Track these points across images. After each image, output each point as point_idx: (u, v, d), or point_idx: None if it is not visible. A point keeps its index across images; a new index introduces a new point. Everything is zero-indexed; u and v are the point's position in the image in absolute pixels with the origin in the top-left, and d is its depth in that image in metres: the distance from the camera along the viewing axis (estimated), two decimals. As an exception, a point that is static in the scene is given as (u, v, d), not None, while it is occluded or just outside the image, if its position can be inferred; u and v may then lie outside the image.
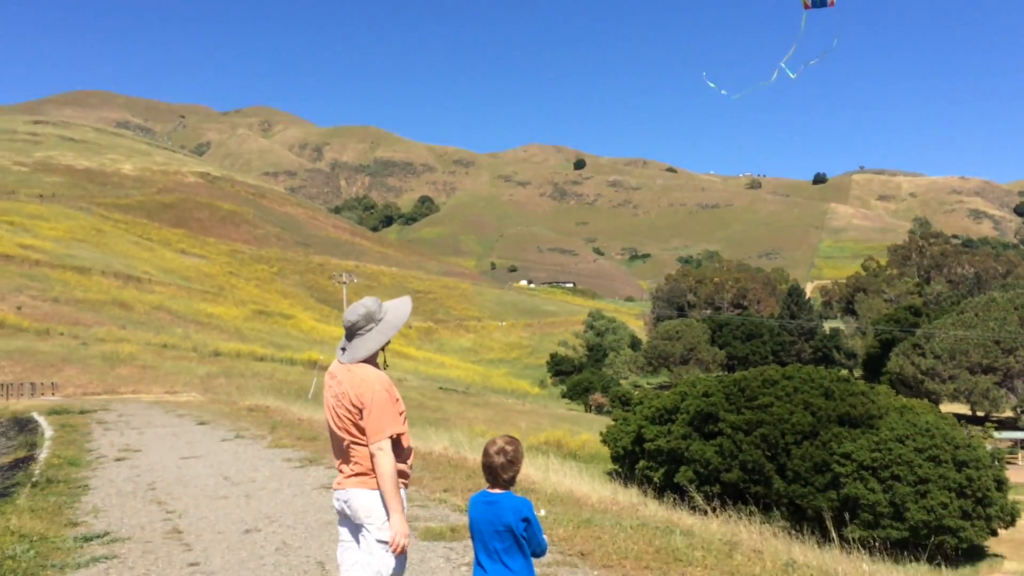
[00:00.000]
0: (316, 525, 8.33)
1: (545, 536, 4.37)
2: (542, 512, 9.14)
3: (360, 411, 4.45)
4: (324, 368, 57.37)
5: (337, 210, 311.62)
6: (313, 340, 76.49)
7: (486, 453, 4.23)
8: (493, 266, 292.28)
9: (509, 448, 4.22)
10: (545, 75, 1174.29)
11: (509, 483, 4.22)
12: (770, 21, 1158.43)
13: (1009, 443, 56.94)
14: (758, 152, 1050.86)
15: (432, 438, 18.02)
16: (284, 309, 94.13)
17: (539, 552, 4.24)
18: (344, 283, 60.68)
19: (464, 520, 8.41)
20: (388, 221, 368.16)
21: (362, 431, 4.45)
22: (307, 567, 6.80)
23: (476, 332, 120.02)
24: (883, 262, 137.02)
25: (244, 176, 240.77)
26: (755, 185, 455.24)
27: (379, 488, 4.43)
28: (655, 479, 37.77)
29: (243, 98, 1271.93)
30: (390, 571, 4.39)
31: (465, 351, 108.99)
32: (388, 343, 4.70)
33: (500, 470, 4.17)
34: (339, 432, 4.56)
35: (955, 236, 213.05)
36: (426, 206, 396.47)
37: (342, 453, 4.60)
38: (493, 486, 4.21)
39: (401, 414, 4.59)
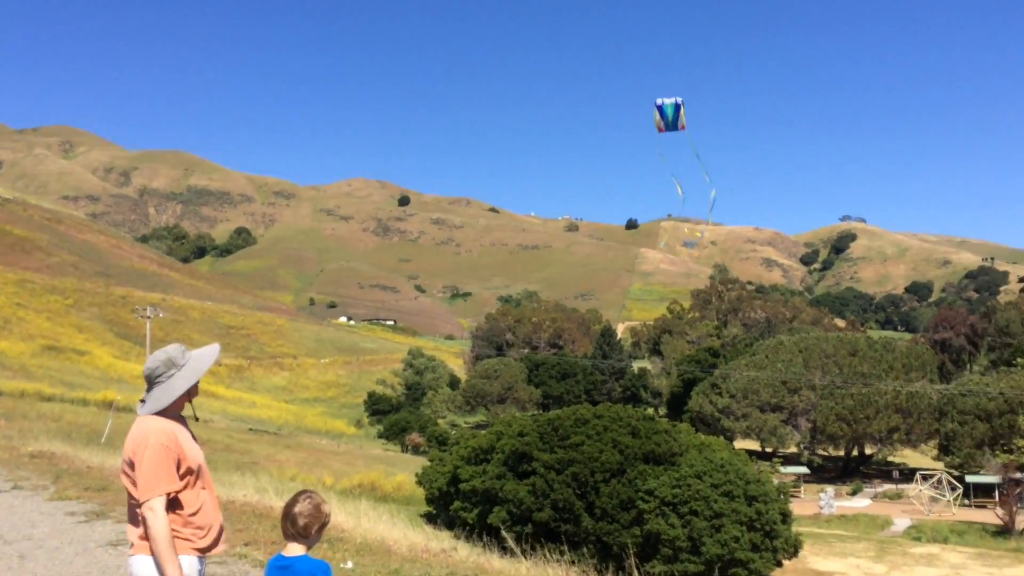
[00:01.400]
0: (98, 588, 7.76)
1: None
2: (349, 565, 8.98)
3: (134, 466, 4.20)
4: (121, 409, 53.66)
5: (144, 239, 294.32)
6: (110, 378, 71.41)
7: (287, 504, 4.16)
8: (312, 302, 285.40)
9: (311, 499, 4.16)
10: (371, 108, 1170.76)
11: (302, 535, 4.13)
12: (598, 63, 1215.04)
13: (793, 477, 61.63)
14: (575, 196, 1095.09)
15: (236, 484, 17.24)
16: (78, 344, 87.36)
17: None
18: (148, 317, 57.21)
19: (263, 576, 8.11)
20: (201, 252, 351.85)
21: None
22: (84, 637, 6.31)
23: (291, 370, 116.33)
24: (686, 305, 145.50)
25: (39, 199, 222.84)
26: (573, 228, 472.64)
27: (152, 553, 4.12)
28: (469, 520, 37.87)
29: (42, 116, 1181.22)
30: None
31: (279, 390, 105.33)
32: (194, 390, 4.46)
33: (297, 517, 4.09)
34: (129, 486, 4.31)
35: (750, 282, 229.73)
36: (243, 238, 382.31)
37: (132, 515, 4.33)
38: (286, 537, 4.13)
39: (189, 472, 4.28)
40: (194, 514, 4.32)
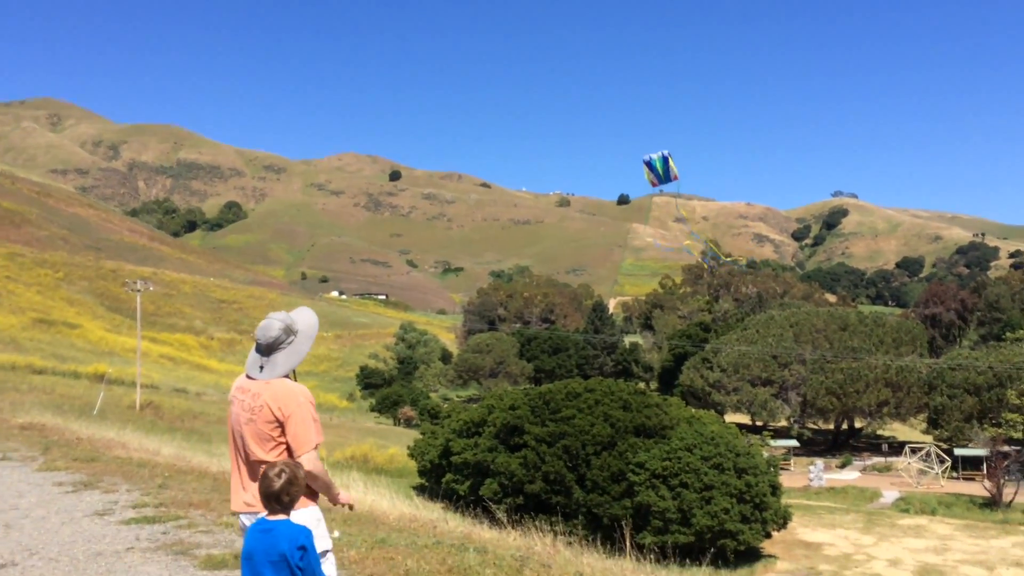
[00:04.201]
0: (83, 557, 7.68)
1: (335, 559, 4.24)
2: (336, 534, 8.92)
3: (281, 424, 4.48)
4: (113, 382, 53.53)
5: (134, 213, 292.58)
6: (102, 352, 71.19)
7: (265, 476, 4.08)
8: (304, 276, 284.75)
9: (289, 468, 4.10)
10: (362, 83, 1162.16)
11: (288, 506, 4.07)
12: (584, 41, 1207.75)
13: (783, 450, 62.02)
14: (567, 171, 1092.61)
15: (227, 456, 17.19)
16: (69, 318, 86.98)
17: None
18: (139, 291, 56.85)
19: (251, 545, 8.06)
20: (191, 227, 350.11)
21: (278, 446, 4.47)
22: (69, 605, 6.24)
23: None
24: (678, 281, 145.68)
25: (28, 173, 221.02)
26: (564, 203, 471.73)
27: (316, 491, 4.54)
28: (461, 492, 38.06)
29: (29, 88, 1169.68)
30: None
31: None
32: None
33: (280, 492, 4.02)
34: (254, 448, 4.51)
35: (741, 258, 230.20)
36: (233, 212, 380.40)
37: (254, 473, 4.49)
38: (272, 513, 4.06)
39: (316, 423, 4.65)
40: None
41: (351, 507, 4.96)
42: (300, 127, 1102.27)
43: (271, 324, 4.69)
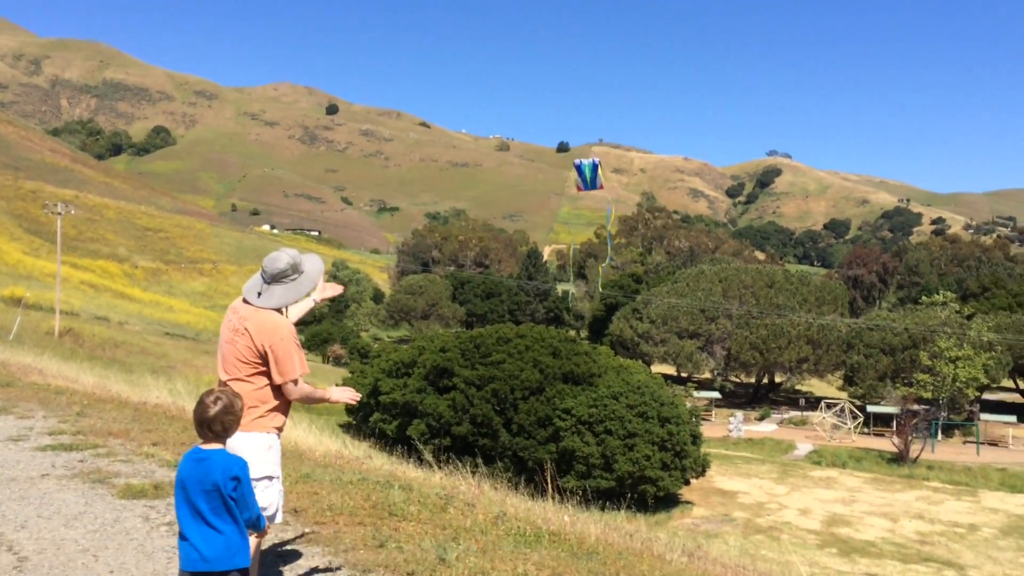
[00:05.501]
0: (-5, 483, 7.43)
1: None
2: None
3: (261, 355, 4.65)
4: (31, 306, 51.74)
5: (56, 132, 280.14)
6: (19, 275, 68.69)
7: (200, 402, 3.97)
8: (234, 208, 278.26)
9: (225, 396, 3.99)
10: (298, 10, 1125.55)
11: (222, 435, 3.97)
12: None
13: (705, 401, 63.73)
14: (508, 115, 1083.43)
15: (150, 386, 16.80)
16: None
17: (251, 519, 3.98)
18: (60, 214, 54.82)
19: (171, 476, 7.89)
20: (117, 150, 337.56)
21: (253, 371, 4.66)
22: (-23, 532, 6.02)
23: (211, 276, 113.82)
24: (613, 231, 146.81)
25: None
26: (504, 148, 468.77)
27: (276, 419, 4.74)
28: (388, 432, 38.18)
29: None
30: (273, 508, 4.64)
31: (198, 295, 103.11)
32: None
33: (213, 420, 3.92)
34: (230, 367, 4.70)
35: (676, 212, 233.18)
36: (161, 137, 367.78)
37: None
38: (206, 441, 3.96)
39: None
40: (284, 402, 4.81)
41: (355, 401, 5.11)
42: (234, 53, 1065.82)
43: (279, 256, 4.85)
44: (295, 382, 4.71)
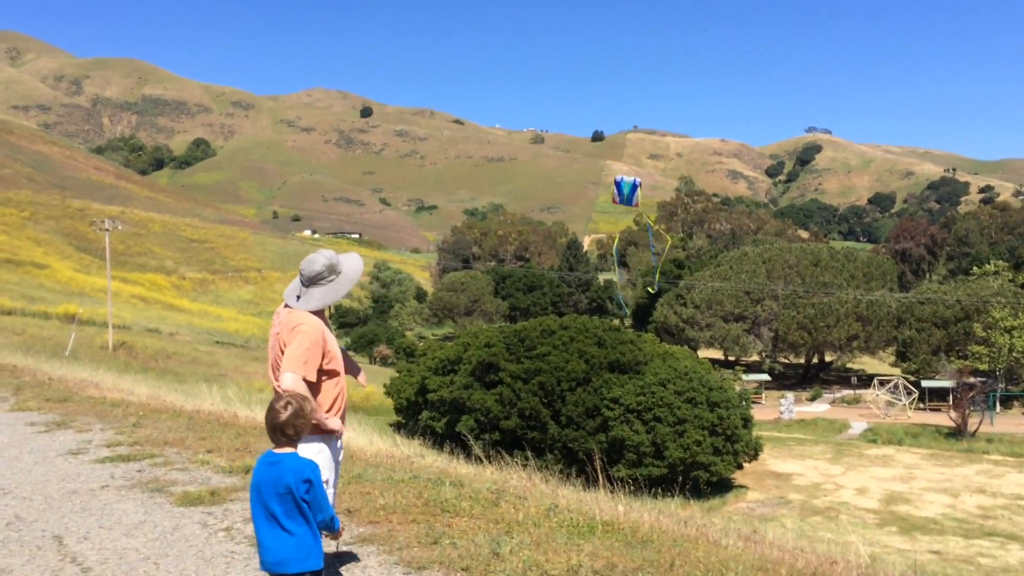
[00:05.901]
0: (57, 496, 7.63)
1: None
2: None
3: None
4: (84, 322, 53.02)
5: (100, 150, 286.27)
6: (71, 292, 70.38)
7: (271, 408, 4.06)
8: (275, 215, 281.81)
9: (295, 401, 4.07)
10: (329, 16, 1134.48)
11: (294, 439, 4.05)
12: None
13: (755, 384, 63.10)
14: (541, 107, 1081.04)
15: (203, 395, 17.11)
16: (37, 258, 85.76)
17: (324, 521, 4.05)
18: (107, 230, 56.05)
19: (227, 482, 8.02)
20: (159, 164, 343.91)
21: None
22: (42, 542, 6.19)
23: (256, 283, 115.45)
24: (652, 218, 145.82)
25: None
26: (538, 140, 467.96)
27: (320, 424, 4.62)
28: (438, 429, 38.40)
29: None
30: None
31: (244, 303, 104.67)
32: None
33: (285, 424, 4.00)
34: (275, 371, 4.74)
35: (715, 195, 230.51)
36: (201, 150, 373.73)
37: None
38: (278, 445, 4.05)
39: (326, 358, 4.74)
40: (329, 409, 4.76)
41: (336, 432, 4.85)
42: (266, 62, 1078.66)
43: (316, 258, 4.86)
44: (290, 374, 4.54)
